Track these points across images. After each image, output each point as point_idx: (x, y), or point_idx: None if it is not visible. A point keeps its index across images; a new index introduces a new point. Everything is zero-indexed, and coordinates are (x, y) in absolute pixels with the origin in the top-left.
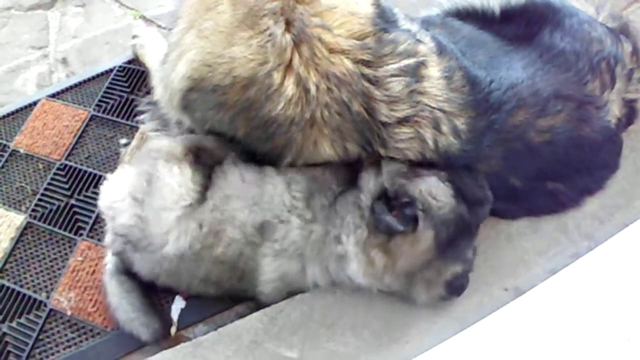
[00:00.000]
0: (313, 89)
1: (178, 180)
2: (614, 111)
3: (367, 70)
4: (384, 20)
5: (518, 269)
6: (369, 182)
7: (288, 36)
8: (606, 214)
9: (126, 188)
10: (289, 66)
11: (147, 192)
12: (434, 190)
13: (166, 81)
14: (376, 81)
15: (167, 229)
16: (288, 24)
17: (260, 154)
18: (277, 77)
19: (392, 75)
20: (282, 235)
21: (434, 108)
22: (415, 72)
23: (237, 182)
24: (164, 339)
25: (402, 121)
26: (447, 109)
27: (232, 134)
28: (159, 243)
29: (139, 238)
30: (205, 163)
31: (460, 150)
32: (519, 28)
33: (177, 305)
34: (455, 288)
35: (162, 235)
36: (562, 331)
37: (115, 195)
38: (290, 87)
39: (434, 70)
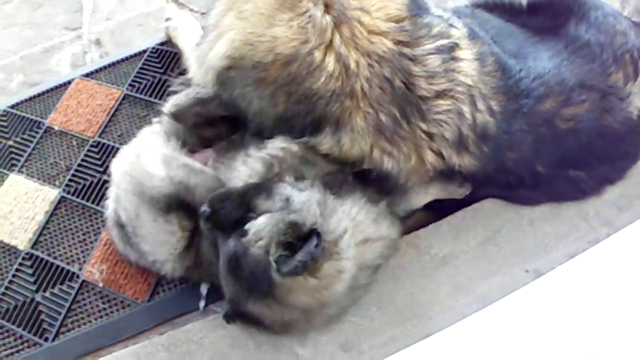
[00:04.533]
0: (353, 65)
1: (166, 230)
2: (637, 102)
3: (405, 49)
4: (418, 6)
5: (539, 252)
6: None
7: (328, 17)
8: (626, 203)
9: (123, 192)
10: (329, 45)
11: (136, 227)
12: None
13: (203, 59)
14: (414, 58)
15: (161, 261)
16: (327, 7)
17: (297, 132)
18: (318, 55)
19: (430, 53)
20: None
21: (470, 86)
22: (450, 51)
23: None
24: None
25: (440, 94)
26: (481, 89)
27: (271, 110)
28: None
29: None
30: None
31: (498, 128)
32: (546, 20)
33: None
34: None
35: (154, 261)
36: (579, 312)
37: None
38: (331, 64)
39: (467, 53)
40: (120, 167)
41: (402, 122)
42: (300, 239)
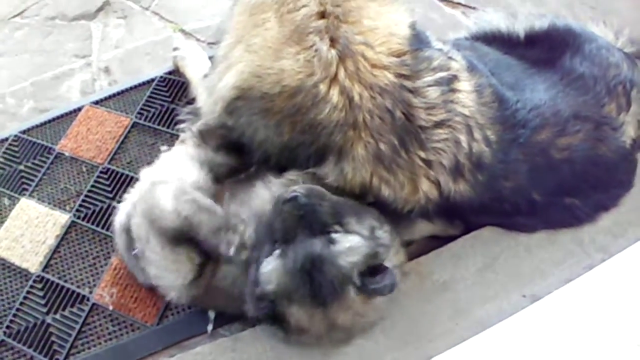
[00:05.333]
0: (357, 98)
1: (174, 260)
2: (630, 132)
3: (406, 82)
4: (419, 41)
5: (535, 277)
6: None
7: (333, 51)
8: (620, 230)
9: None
10: (334, 79)
11: (145, 250)
12: None
13: (212, 90)
14: (414, 90)
15: (167, 287)
16: (332, 41)
17: (301, 161)
18: (323, 87)
19: (429, 85)
20: None
21: (467, 116)
22: (449, 83)
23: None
24: None
25: (439, 124)
26: (478, 119)
27: (277, 139)
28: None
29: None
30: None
31: (493, 158)
32: (542, 52)
33: None
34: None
35: (159, 286)
36: (574, 335)
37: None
38: (335, 96)
39: (465, 85)
40: (141, 186)
41: (401, 151)
42: (370, 268)
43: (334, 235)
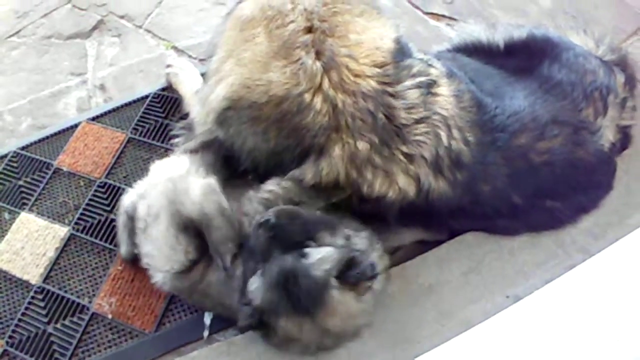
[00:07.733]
0: (340, 105)
1: (172, 244)
2: (608, 136)
3: (388, 88)
4: (402, 54)
5: (518, 279)
6: None
7: (318, 64)
8: (600, 231)
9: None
10: (318, 89)
11: (150, 225)
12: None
13: (204, 102)
14: (395, 94)
15: (156, 267)
16: (318, 54)
17: (286, 164)
18: (307, 96)
19: (409, 88)
20: None
21: (446, 116)
22: (428, 87)
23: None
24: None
25: (419, 121)
26: (457, 121)
27: (264, 146)
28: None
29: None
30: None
31: (472, 158)
32: (521, 61)
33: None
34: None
35: (149, 264)
36: (555, 332)
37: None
38: (319, 104)
39: (445, 89)
40: (165, 172)
41: (383, 149)
42: (347, 266)
43: (306, 250)
